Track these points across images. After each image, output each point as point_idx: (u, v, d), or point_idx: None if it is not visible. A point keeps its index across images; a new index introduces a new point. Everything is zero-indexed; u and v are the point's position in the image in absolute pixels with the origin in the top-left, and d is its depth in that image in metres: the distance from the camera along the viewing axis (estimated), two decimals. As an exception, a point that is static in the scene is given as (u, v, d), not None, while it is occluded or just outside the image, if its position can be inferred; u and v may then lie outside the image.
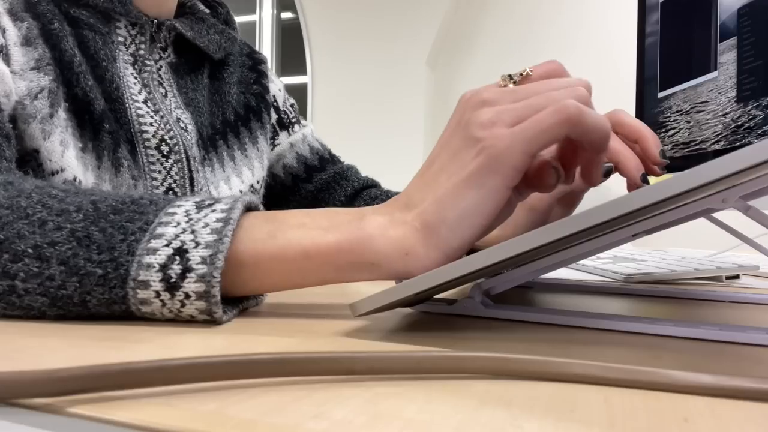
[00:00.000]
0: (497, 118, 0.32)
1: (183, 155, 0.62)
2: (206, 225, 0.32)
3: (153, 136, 0.60)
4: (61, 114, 0.55)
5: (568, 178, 0.36)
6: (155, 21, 0.64)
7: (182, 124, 0.64)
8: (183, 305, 0.31)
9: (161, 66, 0.65)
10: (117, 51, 0.61)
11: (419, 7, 3.32)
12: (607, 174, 0.50)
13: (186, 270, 0.31)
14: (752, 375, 0.22)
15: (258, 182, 0.73)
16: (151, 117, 0.61)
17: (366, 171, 0.85)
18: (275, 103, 0.80)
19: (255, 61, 0.78)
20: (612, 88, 2.14)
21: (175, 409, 0.19)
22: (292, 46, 3.75)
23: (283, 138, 0.80)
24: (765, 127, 0.50)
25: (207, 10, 0.73)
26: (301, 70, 3.67)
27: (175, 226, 0.32)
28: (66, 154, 0.55)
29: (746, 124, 0.52)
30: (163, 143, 0.61)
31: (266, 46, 3.79)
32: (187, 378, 0.21)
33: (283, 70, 3.89)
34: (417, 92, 3.37)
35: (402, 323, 0.34)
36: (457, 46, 3.34)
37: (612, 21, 2.81)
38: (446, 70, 3.38)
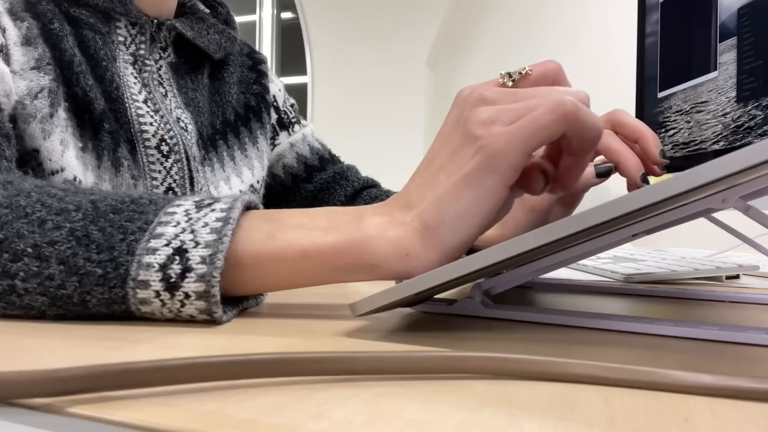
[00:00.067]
0: (496, 117, 0.32)
1: (183, 155, 0.62)
2: (206, 224, 0.32)
3: (153, 135, 0.60)
4: (61, 114, 0.55)
5: (554, 183, 0.36)
6: (155, 21, 0.64)
7: (182, 124, 0.64)
8: (183, 305, 0.31)
9: (161, 66, 0.65)
10: (117, 51, 0.61)
11: (419, 7, 3.32)
12: (607, 174, 0.51)
13: (186, 270, 0.31)
14: (752, 375, 0.22)
15: (258, 182, 0.73)
16: (151, 117, 0.61)
17: (366, 171, 0.85)
18: (275, 103, 0.80)
19: (255, 61, 0.78)
20: (612, 88, 2.14)
21: (175, 409, 0.19)
22: (292, 46, 3.75)
23: (283, 138, 0.80)
24: (765, 127, 0.50)
25: (207, 10, 0.73)
26: (301, 70, 3.67)
27: (175, 226, 0.32)
28: (66, 154, 0.55)
29: (746, 124, 0.52)
30: (163, 143, 0.61)
31: (266, 46, 3.79)
32: (187, 378, 0.21)
33: (283, 70, 3.89)
34: (417, 92, 3.37)
35: (402, 323, 0.34)
36: (457, 46, 3.34)
37: (612, 21, 2.81)
38: (446, 70, 3.38)
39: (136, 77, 0.62)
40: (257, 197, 0.72)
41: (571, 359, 0.23)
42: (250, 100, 0.75)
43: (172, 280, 0.31)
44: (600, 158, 0.48)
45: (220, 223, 0.32)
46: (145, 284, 0.31)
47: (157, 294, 0.31)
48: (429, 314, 0.37)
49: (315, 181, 0.80)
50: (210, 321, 0.32)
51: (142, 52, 0.63)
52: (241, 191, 0.70)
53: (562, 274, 0.63)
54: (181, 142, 0.62)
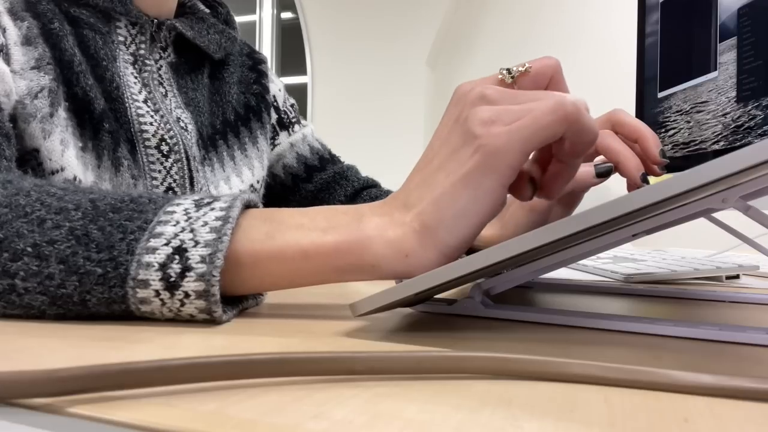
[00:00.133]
0: (497, 117, 0.32)
1: (183, 155, 0.62)
2: (205, 224, 0.32)
3: (153, 135, 0.60)
4: (61, 113, 0.55)
5: (539, 190, 0.36)
6: (155, 21, 0.64)
7: (182, 124, 0.64)
8: (183, 304, 0.31)
9: (161, 66, 0.65)
10: (117, 50, 0.61)
11: (419, 7, 3.32)
12: (607, 174, 0.51)
13: (185, 269, 0.31)
14: (752, 375, 0.22)
15: (258, 182, 0.73)
16: (151, 116, 0.61)
17: (366, 171, 0.85)
18: (275, 103, 0.80)
19: (255, 61, 0.78)
20: (612, 88, 2.14)
21: (175, 409, 0.19)
22: (292, 46, 3.75)
23: (283, 138, 0.80)
24: (765, 127, 0.50)
25: (207, 10, 0.73)
26: (301, 70, 3.67)
27: (174, 225, 0.32)
28: (66, 154, 0.55)
29: (746, 124, 0.52)
30: (163, 143, 0.61)
31: (266, 46, 3.79)
32: (187, 378, 0.21)
33: (283, 70, 3.89)
34: (417, 92, 3.37)
35: (402, 323, 0.34)
36: (457, 46, 3.34)
37: (612, 21, 2.81)
38: (446, 70, 3.38)
39: (136, 77, 0.62)
40: (257, 196, 0.72)
41: (571, 359, 0.23)
42: (250, 100, 0.75)
43: (172, 279, 0.31)
44: (600, 158, 0.48)
45: (219, 222, 0.32)
46: (145, 283, 0.31)
47: (157, 293, 0.31)
48: (429, 314, 0.37)
49: (315, 181, 0.81)
50: (210, 321, 0.32)
51: (142, 51, 0.63)
52: (241, 191, 0.70)
53: (562, 274, 0.63)
54: (181, 142, 0.62)
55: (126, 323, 0.32)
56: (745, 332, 0.30)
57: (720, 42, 0.56)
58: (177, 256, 0.31)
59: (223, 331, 0.31)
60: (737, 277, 0.61)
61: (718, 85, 0.57)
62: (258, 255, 0.33)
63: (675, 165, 0.59)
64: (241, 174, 0.71)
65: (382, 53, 3.42)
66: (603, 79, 2.57)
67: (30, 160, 0.54)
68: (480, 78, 0.35)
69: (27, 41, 0.54)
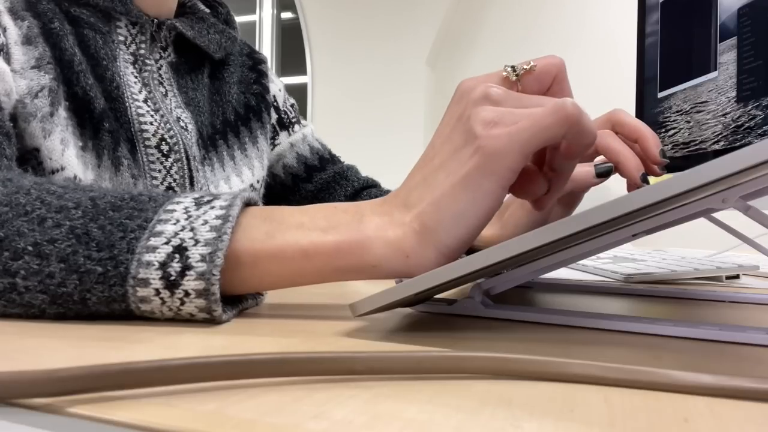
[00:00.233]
0: (500, 119, 0.32)
1: (183, 154, 0.62)
2: (205, 222, 0.32)
3: (153, 135, 0.60)
4: (62, 113, 0.55)
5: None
6: (155, 20, 0.64)
7: (182, 124, 0.64)
8: (182, 303, 0.31)
9: (161, 65, 0.65)
10: (117, 50, 0.61)
11: (419, 7, 3.32)
12: (607, 174, 0.51)
13: (185, 268, 0.31)
14: (752, 375, 0.22)
15: (258, 182, 0.73)
16: (151, 116, 0.61)
17: (366, 170, 0.85)
18: (275, 103, 0.80)
19: (255, 61, 0.78)
20: (612, 88, 2.14)
21: (175, 409, 0.19)
22: (292, 46, 3.75)
23: (283, 138, 0.80)
24: (765, 127, 0.50)
25: (207, 10, 0.73)
26: (301, 70, 3.67)
27: (174, 224, 0.32)
28: (66, 153, 0.55)
29: (746, 124, 0.52)
30: (163, 142, 0.61)
31: (266, 46, 3.79)
32: (187, 378, 0.21)
33: (283, 70, 3.89)
34: (417, 92, 3.37)
35: (402, 323, 0.34)
36: (458, 46, 3.34)
37: (612, 21, 2.81)
38: (446, 69, 3.38)
39: (136, 77, 0.62)
40: (257, 194, 0.72)
41: (571, 359, 0.23)
42: (250, 99, 0.75)
43: (172, 278, 0.31)
44: (600, 158, 0.48)
45: (219, 221, 0.32)
46: (145, 282, 0.31)
47: (157, 292, 0.31)
48: (429, 314, 0.37)
49: (315, 181, 0.81)
50: (209, 320, 0.32)
51: (142, 51, 0.63)
52: (241, 190, 0.70)
53: (562, 274, 0.63)
54: (181, 142, 0.62)
55: (126, 323, 0.32)
56: (745, 332, 0.30)
57: (720, 42, 0.56)
58: (177, 255, 0.31)
59: (223, 331, 0.31)
60: (737, 277, 0.61)
61: (718, 85, 0.57)
62: (258, 254, 0.33)
63: (675, 165, 0.59)
64: (241, 174, 0.71)
65: (382, 53, 3.42)
66: (603, 79, 2.57)
67: (30, 159, 0.54)
68: (484, 74, 0.35)
69: (27, 41, 0.54)
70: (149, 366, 0.20)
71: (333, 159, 0.84)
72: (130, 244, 0.31)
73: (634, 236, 0.36)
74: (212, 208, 0.33)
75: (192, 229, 0.32)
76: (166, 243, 0.31)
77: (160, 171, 0.61)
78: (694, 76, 0.60)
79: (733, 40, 0.54)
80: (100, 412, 0.18)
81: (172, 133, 0.62)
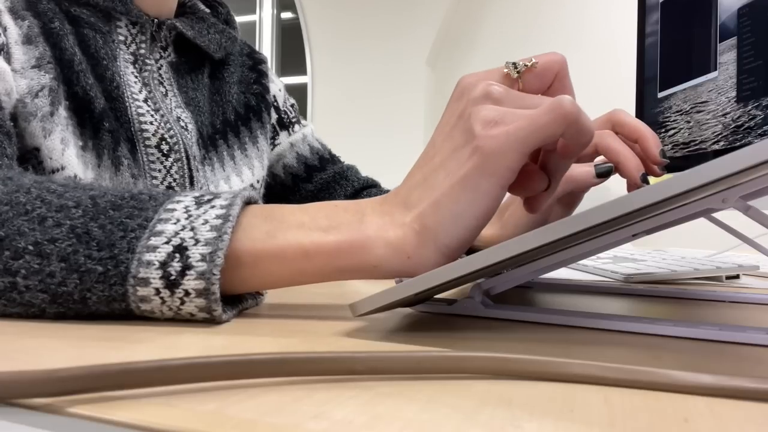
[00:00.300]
0: (501, 119, 0.31)
1: (183, 154, 0.62)
2: (206, 222, 0.32)
3: (153, 134, 0.60)
4: (62, 112, 0.55)
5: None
6: (156, 20, 0.64)
7: (182, 123, 0.64)
8: (183, 303, 0.31)
9: (162, 65, 0.65)
10: (117, 50, 0.61)
11: (419, 7, 3.32)
12: (607, 174, 0.51)
13: (186, 267, 0.31)
14: (752, 375, 0.22)
15: (258, 181, 0.73)
16: (152, 116, 0.61)
17: (366, 170, 0.85)
18: (275, 103, 0.80)
19: (255, 61, 0.78)
20: (612, 88, 2.14)
21: (175, 409, 0.19)
22: (292, 46, 3.75)
23: (284, 138, 0.80)
24: (765, 127, 0.50)
25: (207, 10, 0.73)
26: (301, 70, 3.67)
27: (175, 223, 0.32)
28: (66, 153, 0.55)
29: (746, 124, 0.52)
30: (163, 142, 0.61)
31: (266, 46, 3.79)
32: (187, 378, 0.21)
33: (283, 70, 3.89)
34: (417, 92, 3.37)
35: (402, 323, 0.34)
36: (458, 46, 3.34)
37: (612, 21, 2.81)
38: (446, 69, 3.38)
39: (136, 76, 0.62)
40: (257, 193, 0.72)
41: (571, 359, 0.23)
42: (250, 99, 0.75)
43: (172, 277, 0.31)
44: (600, 158, 0.48)
45: (219, 221, 0.32)
46: (145, 282, 0.31)
47: (157, 291, 0.31)
48: (429, 314, 0.37)
49: (315, 181, 0.81)
50: (209, 320, 0.32)
51: (142, 51, 0.63)
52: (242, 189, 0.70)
53: (562, 274, 0.63)
54: (181, 142, 0.62)
55: (126, 323, 0.32)
56: (745, 332, 0.30)
57: (720, 42, 0.56)
58: (177, 255, 0.31)
59: (223, 331, 0.31)
60: (737, 277, 0.61)
61: (718, 85, 0.57)
62: (258, 254, 0.33)
63: (675, 165, 0.59)
64: (241, 173, 0.71)
65: (382, 53, 3.42)
66: (603, 79, 2.57)
67: (30, 158, 0.54)
68: (484, 71, 0.34)
69: (28, 40, 0.54)
70: (149, 366, 0.20)
71: (333, 159, 0.84)
72: (131, 244, 0.31)
73: (634, 236, 0.36)
74: (213, 207, 0.33)
75: (192, 229, 0.32)
76: (167, 242, 0.31)
77: (160, 171, 0.61)
78: (694, 76, 0.61)
79: (733, 40, 0.54)
80: (100, 412, 0.18)
81: (172, 132, 0.62)
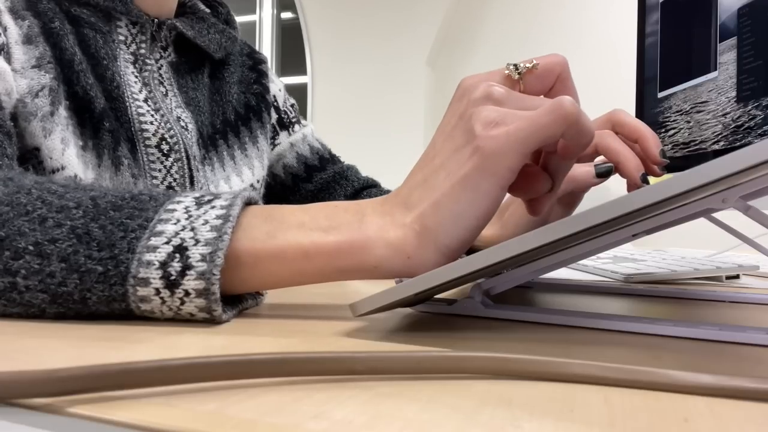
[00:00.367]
0: (501, 120, 0.31)
1: (183, 154, 0.62)
2: (206, 222, 0.32)
3: (153, 134, 0.60)
4: (62, 112, 0.55)
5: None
6: (156, 20, 0.64)
7: (182, 123, 0.64)
8: (183, 303, 0.31)
9: (162, 65, 0.65)
10: (117, 50, 0.61)
11: (419, 7, 3.32)
12: (607, 174, 0.51)
13: (186, 267, 0.31)
14: (752, 375, 0.22)
15: (258, 181, 0.73)
16: (152, 116, 0.61)
17: (366, 170, 0.86)
18: (275, 103, 0.80)
19: (255, 61, 0.78)
20: (612, 88, 2.14)
21: (175, 409, 0.19)
22: (292, 46, 3.75)
23: (284, 138, 0.80)
24: (765, 127, 0.50)
25: (207, 10, 0.73)
26: (301, 70, 3.67)
27: (175, 224, 0.32)
28: (66, 152, 0.55)
29: (746, 124, 0.52)
30: (164, 142, 0.61)
31: (266, 46, 3.79)
32: (187, 378, 0.21)
33: (283, 70, 3.89)
34: (417, 92, 3.37)
35: (402, 323, 0.34)
36: (458, 46, 3.34)
37: (612, 21, 2.81)
38: (446, 69, 3.38)
39: (136, 76, 0.62)
40: (257, 193, 0.72)
41: (571, 359, 0.23)
42: (250, 99, 0.75)
43: (173, 277, 0.31)
44: (600, 158, 0.48)
45: (220, 221, 0.32)
46: (146, 282, 0.31)
47: (157, 291, 0.31)
48: (429, 314, 0.37)
49: (315, 181, 0.81)
50: (209, 320, 0.32)
51: (142, 51, 0.63)
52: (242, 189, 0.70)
53: (562, 274, 0.63)
54: (181, 141, 0.62)
55: (126, 323, 0.32)
56: (745, 332, 0.30)
57: (720, 42, 0.56)
58: (177, 255, 0.31)
59: (223, 331, 0.31)
60: (737, 277, 0.61)
61: (718, 85, 0.57)
62: (259, 254, 0.33)
63: (675, 165, 0.59)
64: (242, 173, 0.71)
65: (382, 53, 3.42)
66: (603, 79, 2.57)
67: (31, 158, 0.54)
68: (485, 72, 0.34)
69: (28, 40, 0.54)
70: (149, 366, 0.20)
71: (333, 159, 0.84)
72: (131, 244, 0.31)
73: (634, 236, 0.36)
74: (213, 207, 0.33)
75: (192, 229, 0.32)
76: (167, 242, 0.31)
77: (160, 170, 0.61)
78: (694, 76, 0.61)
79: (733, 40, 0.54)
80: (100, 412, 0.18)
81: (172, 132, 0.62)
